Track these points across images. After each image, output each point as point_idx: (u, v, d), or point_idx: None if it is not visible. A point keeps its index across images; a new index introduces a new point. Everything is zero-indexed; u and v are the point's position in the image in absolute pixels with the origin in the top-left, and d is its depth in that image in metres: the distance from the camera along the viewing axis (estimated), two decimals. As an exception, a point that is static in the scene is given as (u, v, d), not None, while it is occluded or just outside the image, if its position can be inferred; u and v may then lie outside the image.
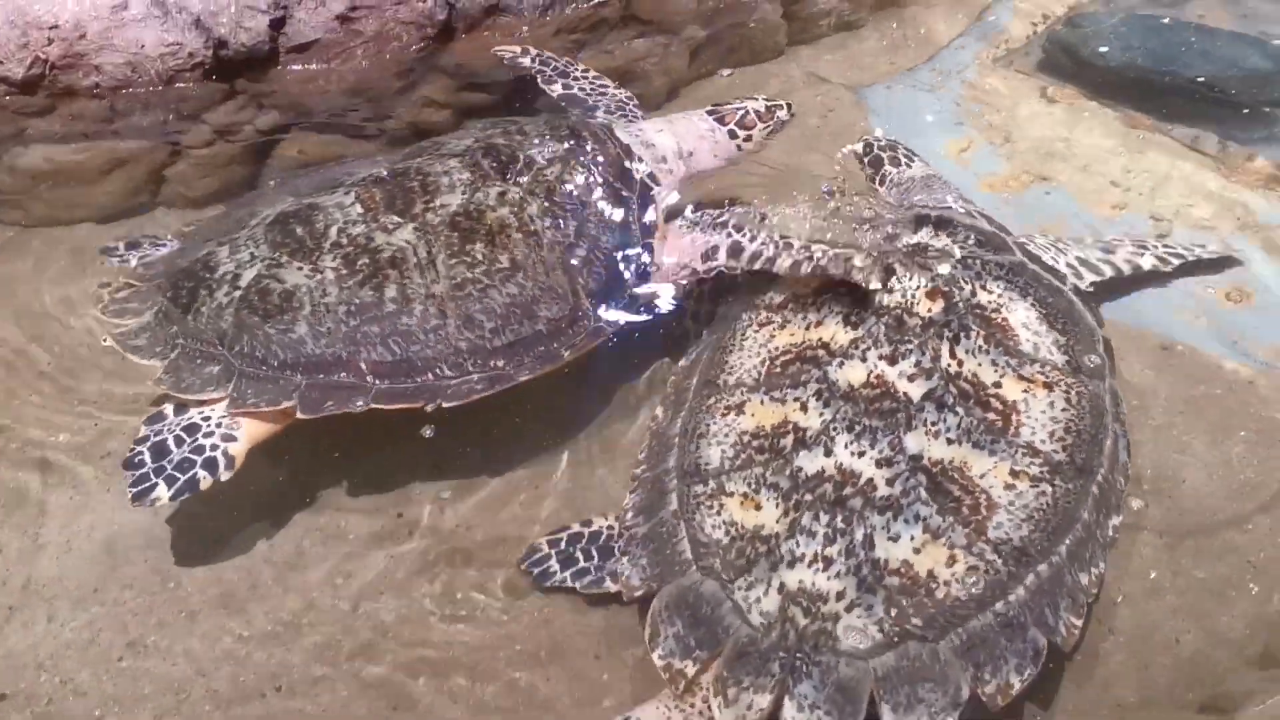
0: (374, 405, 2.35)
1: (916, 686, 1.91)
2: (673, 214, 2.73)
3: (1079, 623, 2.03)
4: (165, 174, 3.21)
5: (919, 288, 2.38)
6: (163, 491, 2.24)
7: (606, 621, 2.31)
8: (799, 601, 1.99)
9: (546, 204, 2.54)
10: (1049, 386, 2.27)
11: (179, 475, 2.25)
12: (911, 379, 2.24)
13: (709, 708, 1.97)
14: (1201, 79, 3.45)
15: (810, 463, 2.15)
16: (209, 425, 2.33)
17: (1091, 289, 2.66)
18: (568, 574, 2.32)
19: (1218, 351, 2.74)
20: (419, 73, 3.46)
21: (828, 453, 2.16)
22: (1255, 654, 2.17)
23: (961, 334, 2.31)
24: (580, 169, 2.63)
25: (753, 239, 2.55)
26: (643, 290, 2.60)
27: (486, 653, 2.26)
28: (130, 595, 2.36)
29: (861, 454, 2.15)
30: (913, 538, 2.04)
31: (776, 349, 2.42)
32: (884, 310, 2.37)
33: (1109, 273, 2.74)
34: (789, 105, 2.98)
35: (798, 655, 1.94)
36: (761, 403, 2.31)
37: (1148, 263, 2.83)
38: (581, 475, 2.58)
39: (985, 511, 2.08)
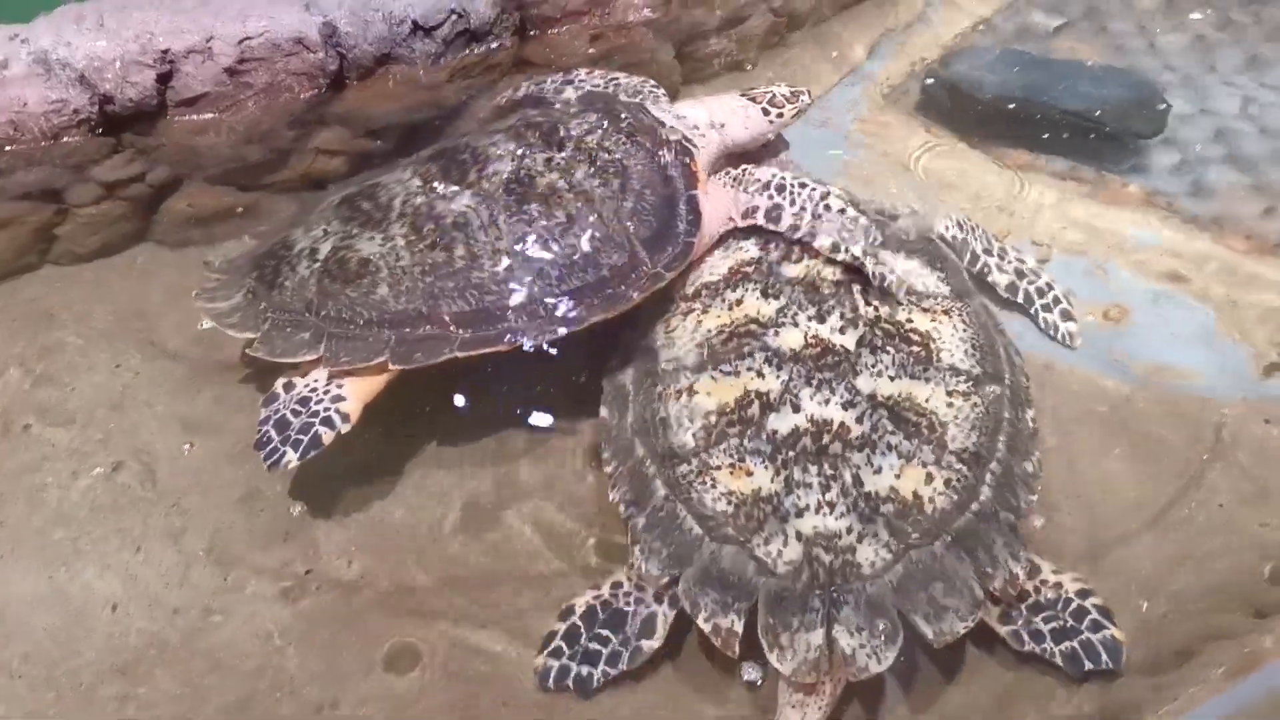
0: (459, 353, 2.52)
1: (930, 590, 2.15)
2: (714, 173, 2.97)
3: (1034, 498, 2.39)
4: (55, 232, 3.18)
5: (814, 257, 2.75)
6: (291, 455, 2.44)
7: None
8: (819, 543, 2.21)
9: (590, 168, 2.75)
10: (947, 313, 2.65)
11: (303, 437, 2.46)
12: (843, 331, 2.55)
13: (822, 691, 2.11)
14: (1074, 110, 3.65)
15: (782, 422, 2.39)
16: (319, 394, 2.54)
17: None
18: (602, 666, 2.28)
19: (1097, 370, 2.91)
20: (312, 122, 3.47)
21: (795, 409, 2.41)
22: (1144, 663, 2.30)
23: (866, 285, 2.67)
24: (617, 133, 2.85)
25: (791, 205, 2.82)
26: (694, 239, 2.77)
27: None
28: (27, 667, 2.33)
29: (827, 401, 2.41)
30: (891, 466, 2.32)
31: (709, 331, 2.62)
32: (795, 280, 2.69)
33: (974, 267, 3.04)
34: (810, 91, 3.22)
35: (832, 589, 2.15)
36: (714, 379, 2.51)
37: (1001, 279, 3.06)
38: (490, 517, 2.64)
39: (940, 429, 2.39)
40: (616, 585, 2.37)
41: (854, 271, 2.72)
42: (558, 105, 3.14)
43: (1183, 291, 3.12)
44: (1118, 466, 2.68)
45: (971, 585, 2.17)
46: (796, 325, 2.57)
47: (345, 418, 2.51)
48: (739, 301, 2.67)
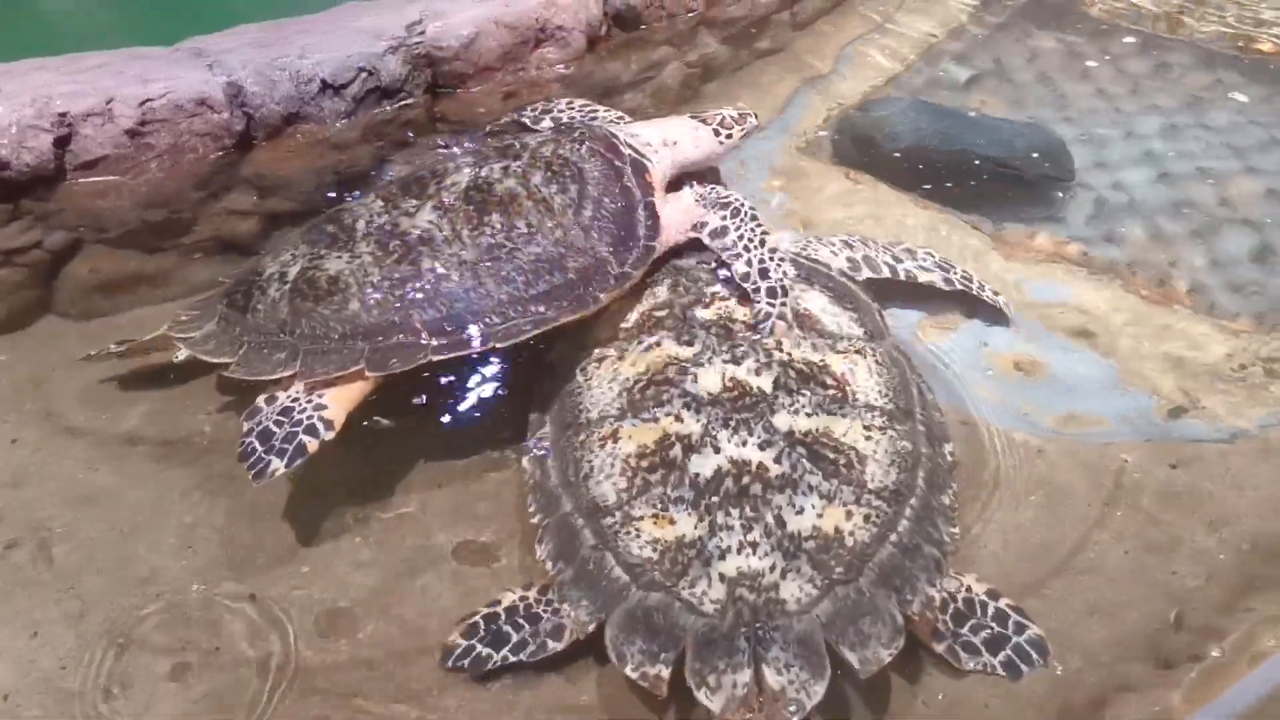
0: (434, 358, 2.63)
1: (858, 623, 2.21)
2: (672, 187, 3.14)
3: (956, 531, 2.49)
4: (-47, 304, 3.11)
5: (729, 299, 2.87)
6: (277, 463, 2.51)
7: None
8: (743, 583, 2.26)
9: (547, 174, 2.88)
10: (860, 354, 2.74)
11: (287, 446, 2.53)
12: (758, 373, 2.62)
13: (794, 713, 2.11)
14: (984, 158, 3.77)
15: (704, 465, 2.44)
16: (300, 403, 2.61)
17: (866, 281, 3.16)
18: (505, 651, 2.35)
19: (1009, 425, 2.97)
20: (219, 183, 3.46)
21: (716, 450, 2.46)
22: (1054, 713, 2.32)
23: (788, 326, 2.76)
24: (571, 144, 2.99)
25: (737, 230, 2.97)
26: (655, 243, 2.91)
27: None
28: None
29: (744, 443, 2.46)
30: (813, 505, 2.38)
31: (628, 379, 2.68)
32: (709, 323, 2.78)
33: (887, 274, 3.20)
34: (756, 114, 3.46)
35: (757, 626, 2.19)
36: (634, 426, 2.56)
37: (926, 278, 3.21)
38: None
39: (859, 465, 2.46)
40: (544, 591, 2.43)
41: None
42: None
43: (1090, 343, 3.20)
44: (1029, 517, 2.73)
45: (893, 613, 2.24)
46: (713, 367, 2.64)
47: (329, 425, 2.58)
48: (656, 345, 2.74)
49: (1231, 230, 3.57)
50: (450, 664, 2.37)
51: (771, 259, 2.90)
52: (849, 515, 2.38)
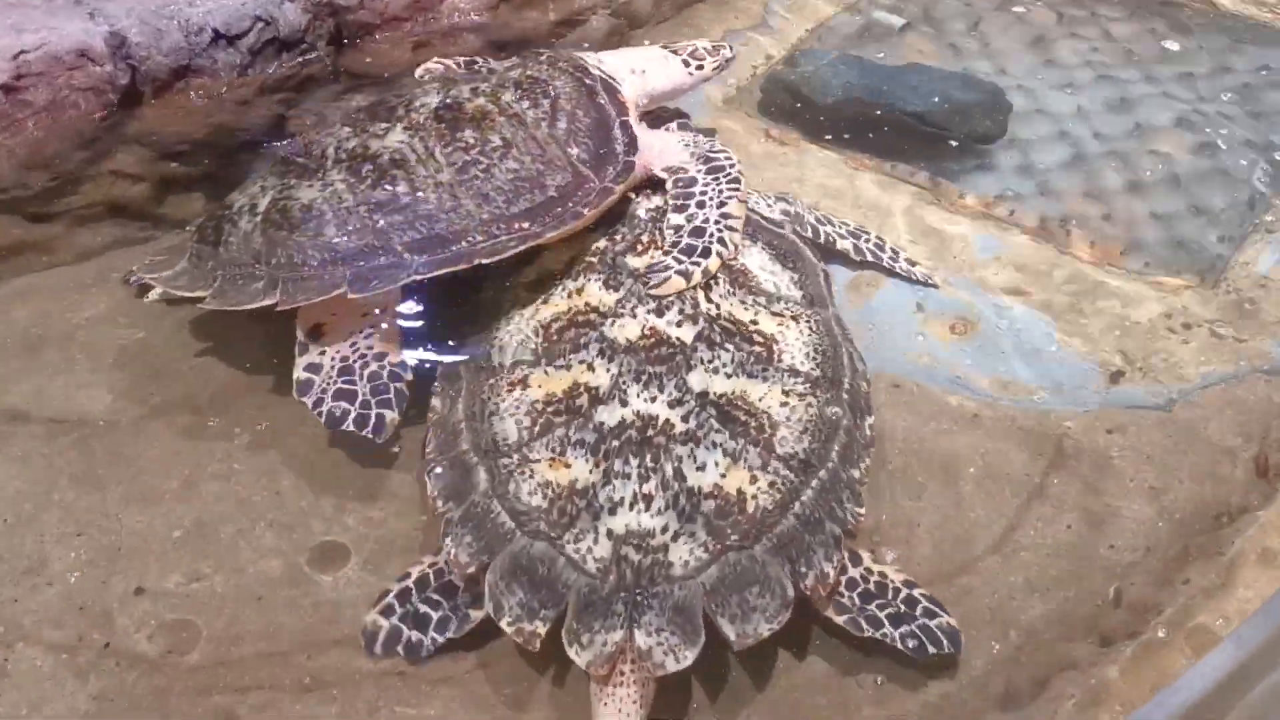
0: (417, 276, 2.58)
1: (745, 593, 2.16)
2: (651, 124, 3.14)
3: (862, 511, 2.39)
4: None
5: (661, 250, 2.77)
6: (391, 414, 2.55)
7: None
8: (630, 542, 2.20)
9: (517, 92, 2.86)
10: (795, 318, 2.66)
11: (388, 395, 2.56)
12: (680, 325, 2.56)
13: (631, 687, 2.11)
14: (914, 113, 3.68)
15: (610, 415, 2.39)
16: (356, 355, 2.64)
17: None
18: (432, 632, 2.31)
19: (944, 387, 2.92)
20: (105, 143, 3.25)
21: (623, 403, 2.40)
22: (998, 693, 2.29)
23: (711, 282, 2.67)
24: (539, 65, 2.98)
25: (704, 187, 2.91)
26: (634, 159, 2.87)
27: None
28: None
29: (654, 399, 2.41)
30: (716, 464, 2.32)
31: (546, 321, 2.63)
32: (638, 270, 2.70)
33: (809, 234, 3.14)
34: (731, 47, 3.42)
35: (637, 591, 2.15)
36: (546, 374, 2.51)
37: (845, 246, 3.19)
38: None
39: (770, 430, 2.40)
40: None
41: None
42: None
43: (1026, 303, 3.15)
44: (966, 488, 2.68)
45: (784, 585, 2.18)
46: (634, 317, 2.58)
47: (405, 367, 2.63)
48: (580, 290, 2.68)
49: (1166, 185, 3.52)
50: (378, 650, 2.30)
51: (718, 225, 2.79)
52: (753, 479, 2.31)
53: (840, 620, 2.28)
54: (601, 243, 2.84)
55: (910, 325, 3.08)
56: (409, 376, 2.61)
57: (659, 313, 2.58)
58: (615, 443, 2.34)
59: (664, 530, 2.22)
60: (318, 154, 2.77)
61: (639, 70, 3.15)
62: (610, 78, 3.02)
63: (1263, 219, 3.40)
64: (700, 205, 2.86)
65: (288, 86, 3.49)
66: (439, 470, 2.45)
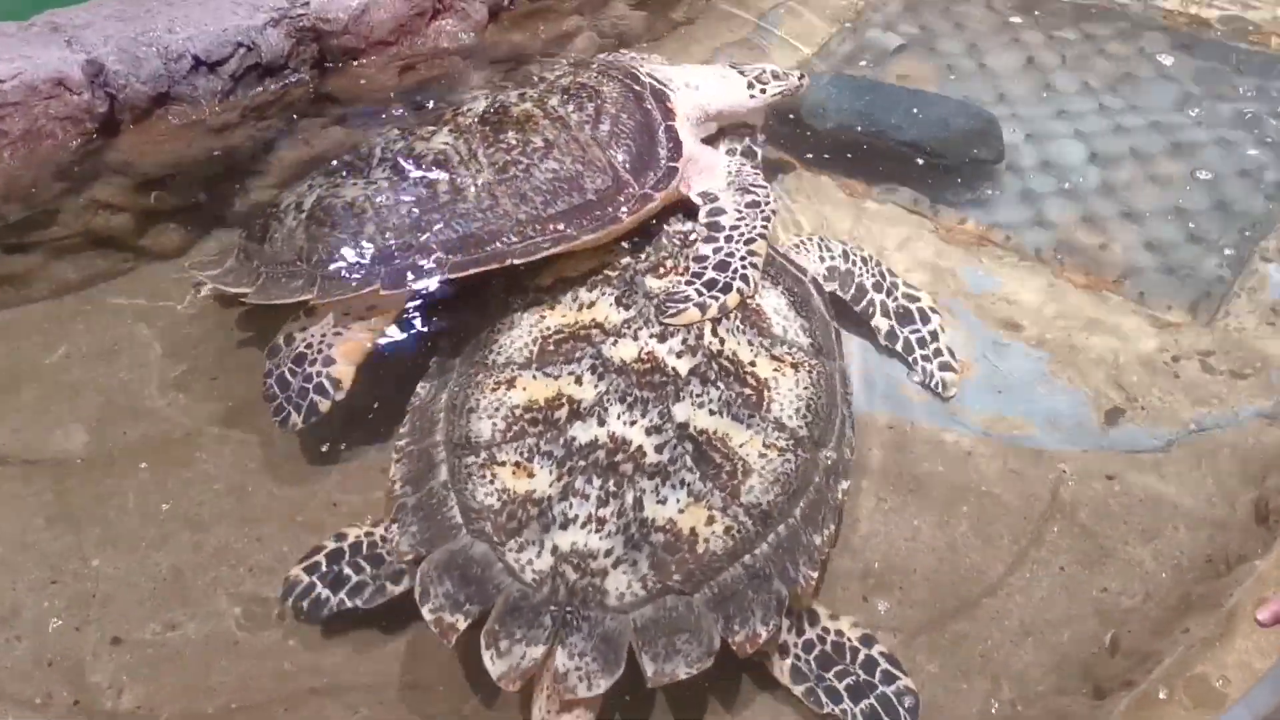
0: (450, 275, 2.65)
1: (674, 637, 2.15)
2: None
3: (815, 575, 2.34)
4: None
5: (684, 277, 2.76)
6: (295, 418, 2.65)
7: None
8: (570, 560, 2.21)
9: (564, 96, 2.92)
10: (795, 367, 2.62)
11: (302, 403, 2.66)
12: (679, 355, 2.55)
13: (566, 693, 2.10)
14: (911, 140, 3.64)
15: (584, 432, 2.39)
16: (312, 353, 2.70)
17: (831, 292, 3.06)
18: (343, 595, 2.37)
19: (938, 425, 2.89)
20: (83, 173, 3.21)
21: (601, 422, 2.40)
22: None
23: (724, 316, 2.65)
24: (588, 72, 3.06)
25: (736, 219, 2.91)
26: (677, 164, 2.91)
27: None
28: None
29: (633, 423, 2.40)
30: (678, 500, 2.31)
31: (548, 329, 2.65)
32: (652, 294, 2.70)
33: (851, 297, 3.07)
34: (803, 75, 3.44)
35: (568, 609, 2.15)
36: (534, 378, 2.53)
37: (879, 324, 3.06)
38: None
39: (741, 477, 2.37)
40: (390, 529, 2.43)
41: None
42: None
43: (1020, 337, 3.12)
44: (961, 530, 2.66)
45: (712, 638, 2.17)
46: (636, 339, 2.58)
47: (336, 384, 2.68)
48: (591, 304, 2.70)
49: (1163, 214, 3.50)
50: (290, 602, 2.36)
51: (744, 261, 2.79)
52: (710, 520, 2.29)
53: (798, 691, 2.29)
54: (625, 259, 2.84)
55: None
56: (337, 395, 2.67)
57: (662, 339, 2.58)
58: (582, 461, 2.34)
59: (607, 554, 2.21)
60: (365, 154, 2.89)
61: (693, 84, 3.17)
62: (662, 86, 3.06)
63: (1263, 249, 3.36)
64: (729, 239, 2.86)
65: (271, 112, 3.45)
66: (407, 455, 2.52)
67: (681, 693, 2.31)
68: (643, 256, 2.87)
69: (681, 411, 2.44)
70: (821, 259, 3.06)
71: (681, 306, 2.65)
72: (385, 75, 3.64)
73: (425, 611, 2.19)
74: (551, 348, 2.59)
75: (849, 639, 2.33)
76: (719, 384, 2.51)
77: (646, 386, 2.47)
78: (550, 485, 2.31)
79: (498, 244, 2.66)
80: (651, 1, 4.27)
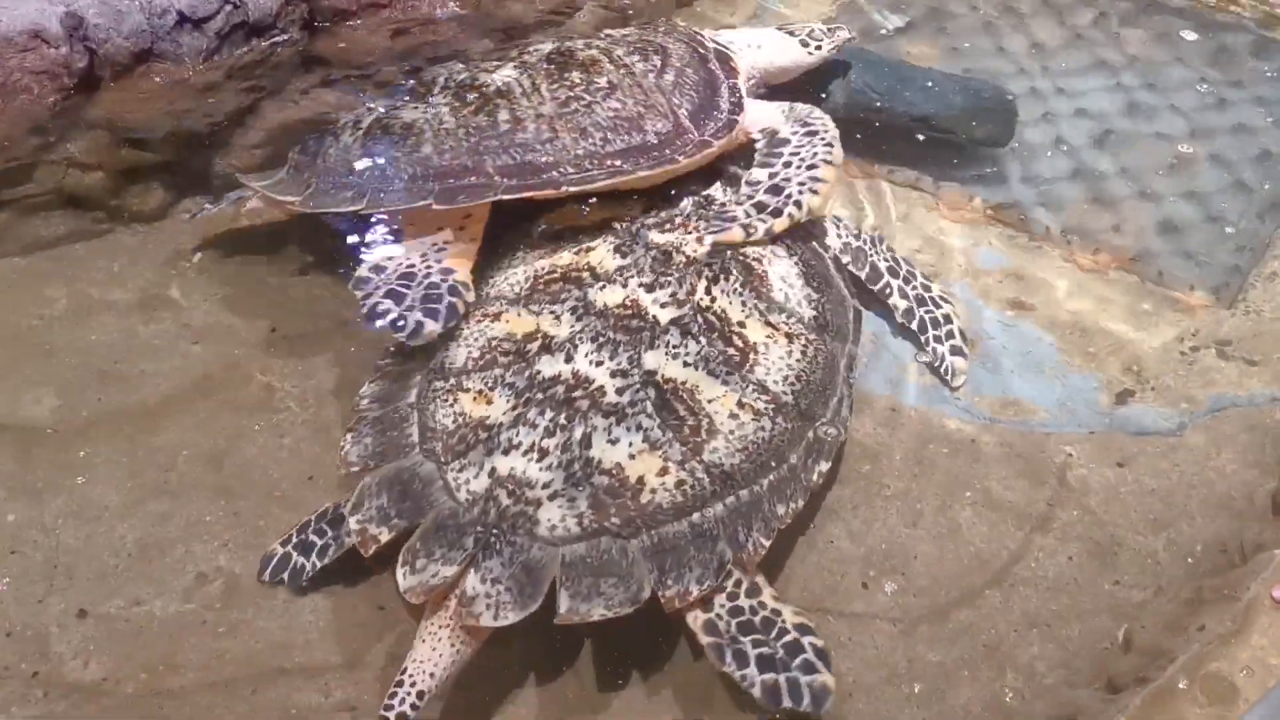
0: (504, 196, 2.67)
1: (600, 579, 2.11)
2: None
3: (766, 543, 2.27)
4: None
5: (690, 233, 2.72)
6: (432, 325, 2.50)
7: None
8: (506, 485, 2.20)
9: (629, 47, 2.99)
10: (790, 337, 2.54)
11: (437, 307, 2.53)
12: (664, 306, 2.52)
13: (468, 618, 2.06)
14: (921, 116, 3.53)
15: (549, 367, 2.39)
16: (423, 266, 2.65)
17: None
18: (314, 557, 2.37)
19: (943, 409, 2.80)
20: (60, 129, 3.11)
21: (568, 359, 2.40)
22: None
23: (721, 275, 2.60)
24: (654, 31, 3.13)
25: (796, 146, 2.93)
26: (739, 118, 2.95)
27: None
28: None
29: (599, 363, 2.39)
30: (631, 444, 2.27)
31: (543, 269, 2.67)
32: (655, 245, 2.67)
33: (866, 275, 2.99)
34: (848, 28, 3.52)
35: (494, 532, 2.14)
36: (518, 314, 2.55)
37: (897, 303, 2.96)
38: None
39: (705, 434, 2.32)
40: None
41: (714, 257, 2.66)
42: None
43: (1030, 318, 3.03)
44: (965, 516, 2.57)
45: (642, 588, 2.12)
46: (625, 286, 2.56)
47: (467, 286, 2.62)
48: (590, 249, 2.69)
49: (1179, 196, 3.40)
50: (267, 577, 2.37)
51: (801, 186, 2.80)
52: (663, 472, 2.24)
53: (706, 642, 2.16)
54: (635, 211, 2.84)
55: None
56: (469, 296, 2.59)
57: (650, 288, 2.55)
58: (540, 394, 2.34)
59: (545, 486, 2.20)
60: (428, 81, 2.95)
61: (755, 45, 3.26)
62: (724, 47, 3.14)
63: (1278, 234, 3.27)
64: (787, 165, 2.88)
65: (257, 72, 3.35)
66: (384, 374, 2.55)
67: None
68: (654, 212, 2.84)
69: (652, 359, 2.40)
70: (839, 235, 2.98)
71: (726, 225, 2.68)
72: (376, 38, 3.53)
73: (352, 521, 2.21)
74: (542, 287, 2.61)
75: (784, 620, 2.19)
76: (700, 338, 2.46)
77: (622, 331, 2.45)
78: (504, 413, 2.32)
79: (554, 173, 2.70)
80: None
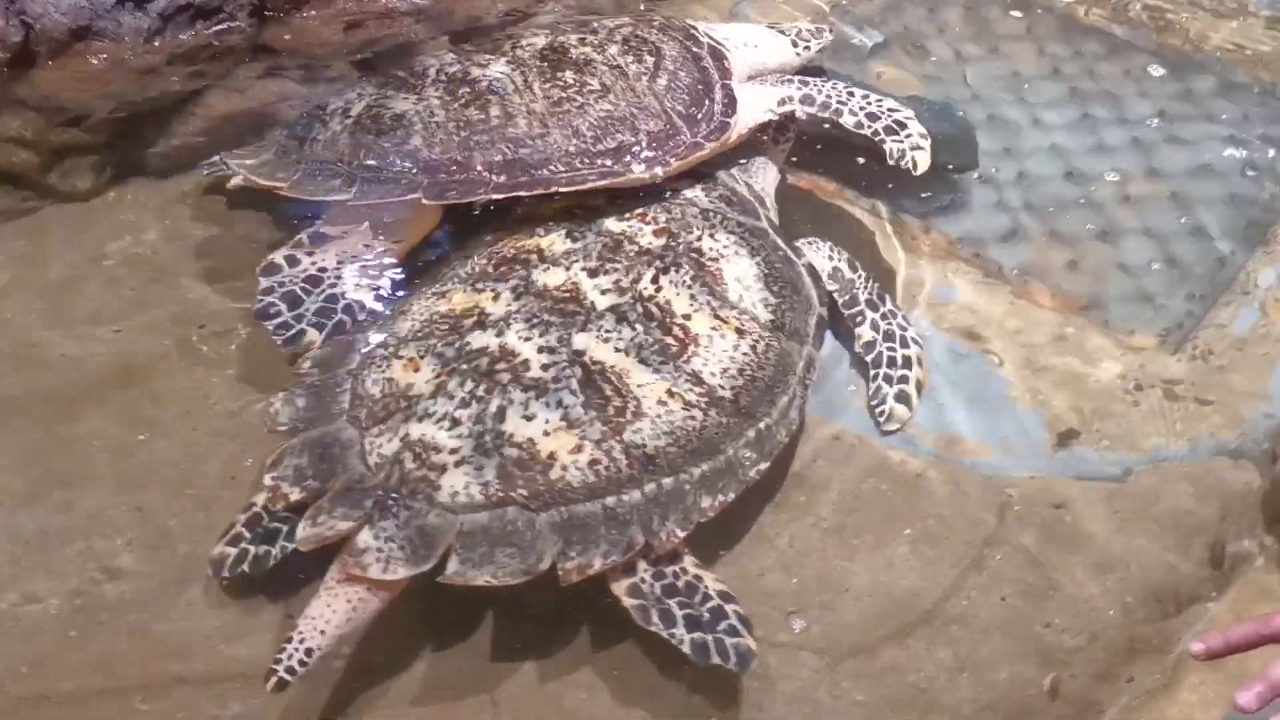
0: (494, 195, 2.72)
1: (497, 548, 2.15)
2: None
3: (681, 534, 2.29)
4: None
5: (648, 225, 2.74)
6: (313, 335, 2.61)
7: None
8: (413, 449, 2.24)
9: (623, 45, 3.00)
10: (740, 332, 2.55)
11: (325, 321, 2.63)
12: (604, 292, 2.55)
13: (374, 585, 2.12)
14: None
15: (479, 340, 2.43)
16: (329, 276, 2.71)
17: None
18: (281, 541, 2.33)
19: (885, 441, 2.76)
20: (-8, 104, 3.03)
21: (499, 334, 2.44)
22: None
23: (671, 268, 2.63)
24: (647, 25, 3.13)
25: (820, 90, 3.15)
26: (731, 120, 2.99)
27: None
28: None
29: (528, 339, 2.42)
30: (547, 420, 2.29)
31: (497, 252, 2.70)
32: (608, 233, 2.71)
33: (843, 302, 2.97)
34: (831, 29, 3.62)
35: (392, 495, 2.18)
36: (464, 291, 2.58)
37: (864, 334, 2.92)
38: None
39: (629, 417, 2.34)
40: None
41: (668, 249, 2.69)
42: None
43: (980, 352, 2.99)
44: (901, 551, 2.53)
45: (540, 559, 2.16)
46: (568, 270, 2.59)
47: (361, 306, 2.68)
48: (546, 233, 2.73)
49: (1137, 235, 3.38)
50: (225, 574, 2.31)
51: (872, 103, 3.14)
52: (577, 449, 2.27)
53: (630, 604, 2.21)
54: (599, 200, 2.85)
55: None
56: (360, 316, 2.65)
57: (593, 274, 2.58)
58: (464, 365, 2.38)
59: (452, 452, 2.24)
60: (419, 72, 2.94)
61: (751, 44, 3.28)
62: (719, 45, 3.15)
63: (1237, 279, 3.25)
64: (842, 102, 3.15)
65: (202, 58, 3.29)
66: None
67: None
68: (617, 202, 2.85)
69: (581, 340, 2.43)
70: (830, 258, 2.98)
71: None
72: (329, 30, 3.48)
73: (267, 478, 2.25)
74: (492, 268, 2.65)
75: (707, 587, 2.27)
76: (636, 326, 2.48)
77: (556, 313, 2.48)
78: (427, 382, 2.36)
79: (545, 171, 2.74)
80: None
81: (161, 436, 2.59)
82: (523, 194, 2.73)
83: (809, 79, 3.20)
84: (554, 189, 2.73)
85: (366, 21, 3.53)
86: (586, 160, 2.77)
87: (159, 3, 3.12)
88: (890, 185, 3.43)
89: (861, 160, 3.44)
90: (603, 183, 2.77)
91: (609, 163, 2.78)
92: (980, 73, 4.00)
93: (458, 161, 2.72)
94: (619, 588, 2.24)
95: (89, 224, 3.06)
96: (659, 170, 2.83)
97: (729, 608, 2.24)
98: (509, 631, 2.35)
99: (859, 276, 2.97)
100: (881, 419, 2.79)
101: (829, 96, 3.14)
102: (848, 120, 3.13)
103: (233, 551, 2.32)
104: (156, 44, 3.19)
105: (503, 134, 2.75)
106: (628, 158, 2.80)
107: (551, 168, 2.75)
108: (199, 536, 2.41)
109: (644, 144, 2.83)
